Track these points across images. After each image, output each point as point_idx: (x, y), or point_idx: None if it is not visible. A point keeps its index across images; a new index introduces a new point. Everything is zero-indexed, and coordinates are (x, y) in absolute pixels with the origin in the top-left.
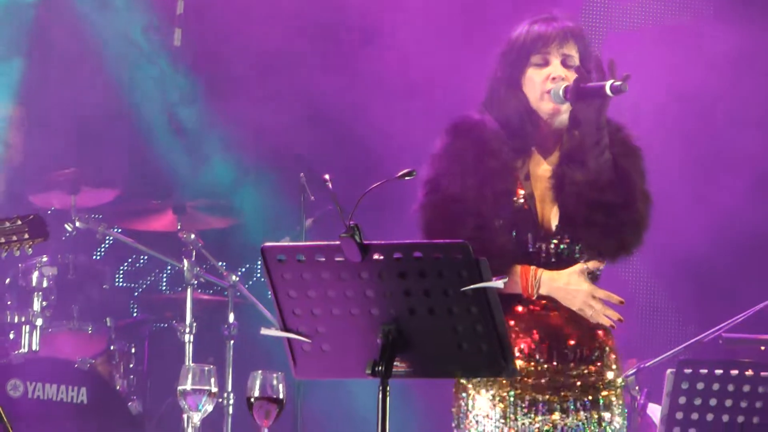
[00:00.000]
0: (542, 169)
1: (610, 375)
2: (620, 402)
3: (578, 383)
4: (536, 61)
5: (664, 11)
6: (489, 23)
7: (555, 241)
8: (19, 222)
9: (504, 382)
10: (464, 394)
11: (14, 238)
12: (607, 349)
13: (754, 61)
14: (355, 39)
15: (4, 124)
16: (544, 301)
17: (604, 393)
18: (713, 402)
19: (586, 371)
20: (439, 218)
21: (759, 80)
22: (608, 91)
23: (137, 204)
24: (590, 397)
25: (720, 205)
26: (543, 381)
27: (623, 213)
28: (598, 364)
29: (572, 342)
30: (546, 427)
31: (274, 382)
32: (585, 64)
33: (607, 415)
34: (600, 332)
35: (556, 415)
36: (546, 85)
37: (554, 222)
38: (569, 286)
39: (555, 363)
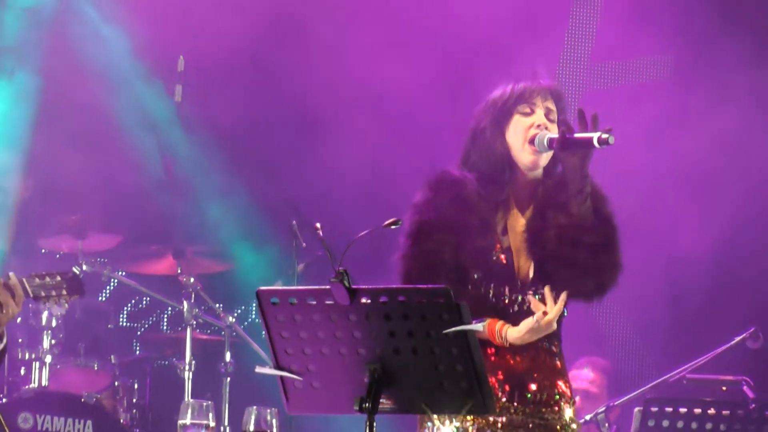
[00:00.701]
0: (519, 222)
1: (566, 417)
2: None
3: (536, 425)
4: (522, 110)
5: (630, 72)
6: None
7: (530, 291)
8: (59, 278)
9: (468, 416)
10: (429, 424)
11: (53, 293)
12: (566, 396)
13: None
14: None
15: (7, 172)
16: (512, 349)
17: None
18: None
19: (545, 415)
20: (417, 270)
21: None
22: (596, 143)
23: (140, 249)
24: None
25: (686, 249)
26: (503, 419)
27: (604, 255)
28: (556, 408)
29: (533, 386)
30: None
31: (268, 417)
32: (563, 119)
33: None
34: (560, 381)
35: None
36: (530, 132)
37: (530, 273)
38: (532, 337)
39: (516, 404)
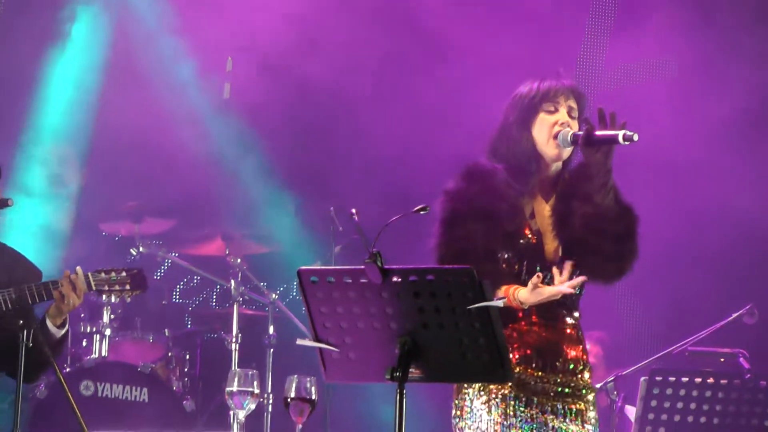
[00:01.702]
0: (544, 208)
1: (588, 383)
2: (595, 405)
3: (565, 390)
4: (547, 108)
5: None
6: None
7: (555, 267)
8: (124, 274)
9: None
10: (469, 390)
11: (117, 287)
12: (588, 365)
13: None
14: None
15: (65, 163)
16: (543, 320)
17: (587, 399)
18: (680, 405)
19: (571, 380)
20: (451, 255)
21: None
22: (621, 140)
23: (192, 232)
24: (575, 404)
25: (687, 228)
26: (537, 384)
27: (626, 243)
28: (580, 375)
29: (562, 357)
30: (539, 421)
31: (308, 385)
32: (586, 118)
33: (586, 417)
34: (582, 350)
35: (548, 415)
36: (554, 129)
37: (558, 252)
38: (542, 298)
39: (548, 372)
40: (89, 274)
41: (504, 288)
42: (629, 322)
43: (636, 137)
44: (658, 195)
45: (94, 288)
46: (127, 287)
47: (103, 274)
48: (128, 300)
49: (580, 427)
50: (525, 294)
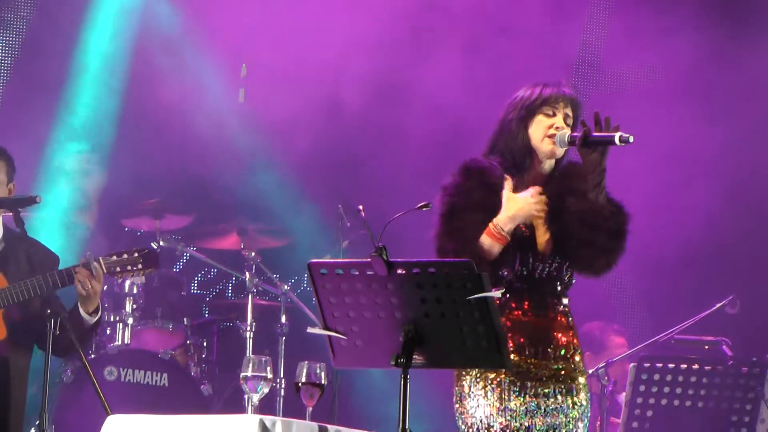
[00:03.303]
0: None
1: (579, 366)
2: (586, 387)
3: (557, 374)
4: (546, 111)
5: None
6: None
7: (549, 260)
8: (136, 254)
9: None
10: (467, 377)
11: (129, 268)
12: (579, 349)
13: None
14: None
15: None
16: (534, 309)
17: (578, 381)
18: (667, 390)
19: (563, 365)
20: (449, 245)
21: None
22: (617, 141)
23: (209, 227)
24: (565, 386)
25: (674, 224)
26: (531, 370)
27: (617, 239)
28: (571, 360)
29: (553, 343)
30: (533, 405)
31: (318, 371)
32: (583, 120)
33: (577, 399)
34: (573, 336)
35: (541, 398)
36: (550, 131)
37: (549, 245)
38: (517, 207)
39: (540, 358)
40: (100, 258)
41: (484, 234)
42: (619, 311)
43: (632, 139)
44: (647, 192)
45: (105, 271)
46: (139, 266)
47: (114, 257)
48: (143, 279)
49: (571, 407)
50: (502, 213)
